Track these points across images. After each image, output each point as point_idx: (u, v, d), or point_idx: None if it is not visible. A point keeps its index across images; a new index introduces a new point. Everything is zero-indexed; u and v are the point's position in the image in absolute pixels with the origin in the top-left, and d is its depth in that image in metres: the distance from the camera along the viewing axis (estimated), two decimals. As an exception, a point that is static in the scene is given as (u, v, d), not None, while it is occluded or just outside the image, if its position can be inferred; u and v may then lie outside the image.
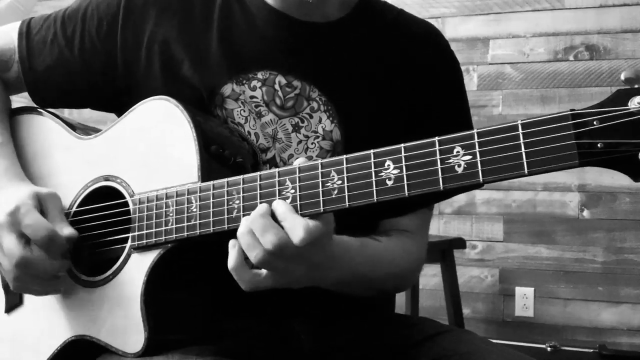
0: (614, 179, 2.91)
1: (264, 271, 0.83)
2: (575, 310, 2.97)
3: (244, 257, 0.83)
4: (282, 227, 0.80)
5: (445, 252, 2.68)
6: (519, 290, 3.05)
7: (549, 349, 2.73)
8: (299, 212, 0.80)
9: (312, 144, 1.03)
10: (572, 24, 3.03)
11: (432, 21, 1.17)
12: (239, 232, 0.81)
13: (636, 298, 2.89)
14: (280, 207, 0.81)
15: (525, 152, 0.68)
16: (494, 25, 3.15)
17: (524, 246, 3.06)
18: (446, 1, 3.22)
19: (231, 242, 0.83)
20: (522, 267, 3.06)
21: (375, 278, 1.01)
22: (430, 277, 3.13)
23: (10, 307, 1.07)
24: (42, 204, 0.98)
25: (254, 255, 0.80)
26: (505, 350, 0.96)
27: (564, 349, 2.74)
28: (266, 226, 0.79)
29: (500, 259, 3.10)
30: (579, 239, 2.97)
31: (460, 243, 2.75)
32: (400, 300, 2.70)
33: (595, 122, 0.65)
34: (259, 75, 1.04)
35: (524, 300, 3.03)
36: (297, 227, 0.78)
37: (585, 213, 2.98)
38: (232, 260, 0.83)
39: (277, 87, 1.04)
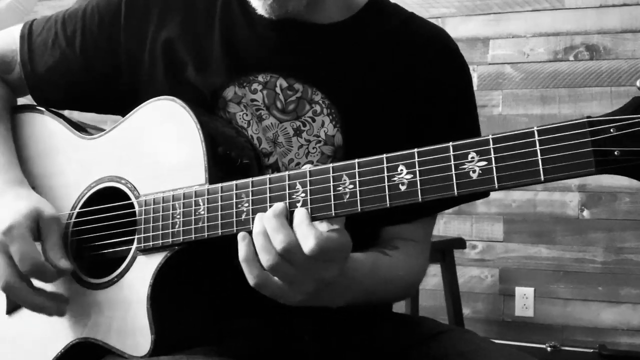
0: (614, 179, 2.91)
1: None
2: (575, 310, 2.97)
3: (255, 251, 0.80)
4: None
5: (445, 252, 2.68)
6: (519, 290, 3.05)
7: (549, 349, 2.74)
8: (310, 216, 0.78)
9: (313, 148, 1.02)
10: (572, 24, 3.03)
11: (432, 21, 1.15)
12: (255, 232, 0.79)
13: (636, 298, 2.89)
14: (298, 215, 0.79)
15: (542, 158, 0.67)
16: (494, 25, 3.14)
17: (524, 246, 3.06)
18: (446, 1, 3.22)
19: (241, 235, 0.81)
20: (522, 267, 3.06)
21: (382, 295, 1.01)
22: (430, 277, 3.12)
23: (12, 308, 1.06)
24: (40, 226, 0.96)
25: (266, 259, 0.78)
26: (506, 349, 0.95)
27: (564, 349, 2.74)
28: (279, 227, 0.78)
29: (500, 259, 3.10)
30: (579, 239, 2.97)
31: (460, 243, 2.75)
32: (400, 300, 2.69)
33: (612, 130, 0.64)
34: (260, 78, 1.03)
35: (524, 300, 3.03)
36: (309, 237, 0.76)
37: (585, 213, 2.98)
38: (243, 252, 0.80)
39: (278, 90, 1.02)
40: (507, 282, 3.08)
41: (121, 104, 1.07)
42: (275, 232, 0.77)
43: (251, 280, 0.81)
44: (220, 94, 1.02)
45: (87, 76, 1.09)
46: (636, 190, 2.88)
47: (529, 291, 3.04)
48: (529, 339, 2.91)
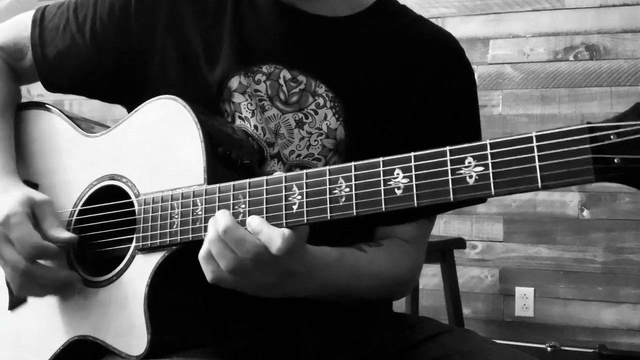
0: (614, 179, 2.90)
1: None
2: (575, 310, 2.97)
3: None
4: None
5: (445, 252, 2.69)
6: (519, 290, 3.05)
7: (549, 349, 2.74)
8: (306, 219, 0.79)
9: (315, 141, 1.02)
10: (572, 24, 3.03)
11: (432, 21, 1.15)
12: (211, 238, 0.82)
13: (636, 298, 2.89)
14: (255, 220, 0.81)
15: (540, 165, 0.65)
16: (494, 25, 3.14)
17: (524, 246, 3.06)
18: (446, 1, 3.22)
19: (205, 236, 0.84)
20: (522, 267, 3.06)
21: (355, 289, 0.99)
22: (430, 277, 3.13)
23: (14, 304, 1.07)
24: (35, 211, 0.97)
25: (225, 264, 0.82)
26: (507, 349, 0.95)
27: (564, 349, 2.74)
28: (243, 236, 0.80)
29: (500, 259, 3.10)
30: (579, 239, 2.97)
31: (460, 243, 2.76)
32: (400, 300, 2.70)
33: (612, 136, 0.62)
34: (264, 69, 1.03)
35: (524, 300, 3.03)
36: (275, 238, 0.79)
37: (585, 213, 2.98)
38: (203, 250, 0.84)
39: (281, 81, 1.03)
40: (507, 282, 3.08)
41: (129, 93, 1.08)
42: (241, 241, 0.80)
43: (208, 276, 0.85)
44: (225, 84, 1.03)
45: (96, 62, 1.09)
46: (636, 191, 2.85)
47: (529, 291, 3.03)
48: (529, 339, 2.90)
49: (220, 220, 0.82)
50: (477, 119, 1.11)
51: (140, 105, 1.00)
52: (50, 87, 1.14)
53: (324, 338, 1.03)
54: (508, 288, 3.08)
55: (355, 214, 0.76)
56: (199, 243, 0.88)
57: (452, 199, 0.70)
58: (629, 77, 2.94)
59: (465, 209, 3.13)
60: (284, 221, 0.81)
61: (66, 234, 0.98)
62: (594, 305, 2.95)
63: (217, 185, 0.87)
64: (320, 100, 1.02)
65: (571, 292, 2.98)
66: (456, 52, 1.11)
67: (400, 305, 2.71)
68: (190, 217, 0.88)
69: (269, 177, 0.83)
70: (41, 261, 0.98)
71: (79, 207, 1.03)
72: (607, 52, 2.98)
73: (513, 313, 3.06)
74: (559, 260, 3.00)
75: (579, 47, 3.02)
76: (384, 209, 0.74)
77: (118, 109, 1.16)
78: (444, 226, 3.16)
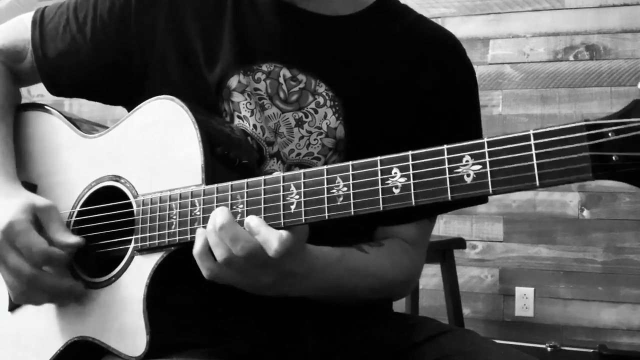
0: (614, 179, 2.90)
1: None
2: (575, 310, 2.97)
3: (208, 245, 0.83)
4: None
5: (445, 252, 2.68)
6: (519, 290, 3.05)
7: (549, 349, 2.74)
8: (304, 218, 0.79)
9: (314, 140, 1.02)
10: (572, 24, 3.03)
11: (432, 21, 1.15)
12: (207, 230, 0.82)
13: (636, 298, 2.89)
14: (253, 220, 0.81)
15: (537, 163, 0.65)
16: (494, 25, 3.14)
17: (524, 246, 3.06)
18: (446, 1, 3.22)
19: (199, 231, 0.84)
20: (522, 267, 3.06)
21: (356, 289, 0.99)
22: (430, 277, 3.13)
23: (14, 305, 1.07)
24: (39, 217, 0.97)
25: (219, 252, 0.81)
26: (508, 349, 0.95)
27: (564, 349, 2.74)
28: (239, 234, 0.80)
29: (500, 259, 3.10)
30: (579, 239, 2.97)
31: (460, 243, 2.75)
32: (400, 300, 2.70)
33: (610, 134, 0.62)
34: (264, 67, 1.03)
35: (524, 300, 3.03)
36: (271, 240, 0.78)
37: (585, 213, 2.98)
38: (197, 247, 0.83)
39: (281, 80, 1.02)
40: (507, 282, 3.08)
41: (129, 93, 1.08)
42: (235, 240, 0.80)
43: (204, 272, 0.84)
44: (224, 83, 1.02)
45: (97, 62, 1.09)
46: (636, 190, 2.87)
47: (529, 291, 3.04)
48: (529, 339, 2.91)
49: (219, 217, 0.81)
50: (478, 119, 1.11)
51: (139, 105, 0.99)
52: (52, 88, 1.14)
53: (324, 338, 1.02)
54: (508, 288, 3.08)
55: (352, 213, 0.76)
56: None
57: (450, 198, 0.69)
58: (629, 77, 2.94)
59: (465, 209, 3.13)
60: (282, 221, 0.80)
61: (73, 238, 0.97)
62: (594, 305, 2.95)
63: (215, 185, 0.86)
64: (320, 99, 1.02)
65: (571, 292, 2.98)
66: (457, 52, 1.11)
67: (400, 305, 2.71)
68: (189, 218, 0.88)
69: (267, 177, 0.82)
70: (46, 268, 0.97)
71: (77, 208, 1.03)
72: (607, 52, 2.98)
73: (513, 313, 3.06)
74: (559, 260, 3.00)
75: (579, 47, 3.02)
76: (381, 209, 0.74)
77: (118, 109, 1.16)
78: (444, 226, 3.16)
